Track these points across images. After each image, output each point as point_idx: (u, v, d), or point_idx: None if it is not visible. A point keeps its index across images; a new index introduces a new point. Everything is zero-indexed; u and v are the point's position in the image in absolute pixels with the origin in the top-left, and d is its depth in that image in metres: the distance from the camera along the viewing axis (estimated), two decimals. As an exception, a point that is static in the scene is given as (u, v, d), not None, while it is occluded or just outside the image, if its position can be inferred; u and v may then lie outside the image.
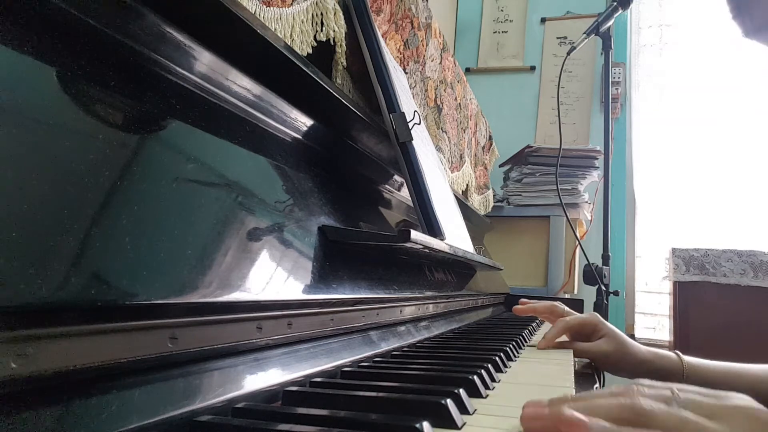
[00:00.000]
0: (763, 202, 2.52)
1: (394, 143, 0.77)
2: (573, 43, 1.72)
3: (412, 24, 1.08)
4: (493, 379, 0.53)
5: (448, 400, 0.37)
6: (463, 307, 1.21)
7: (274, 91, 0.55)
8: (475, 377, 0.47)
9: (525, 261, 2.20)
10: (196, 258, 0.36)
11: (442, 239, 0.74)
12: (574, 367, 0.68)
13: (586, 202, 2.25)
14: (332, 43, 0.75)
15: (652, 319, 2.68)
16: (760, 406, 0.28)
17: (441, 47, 1.31)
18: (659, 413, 0.28)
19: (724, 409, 0.27)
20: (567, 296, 2.11)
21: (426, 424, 0.32)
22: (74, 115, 0.32)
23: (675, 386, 0.30)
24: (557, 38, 2.95)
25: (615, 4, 1.67)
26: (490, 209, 2.03)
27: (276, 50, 0.52)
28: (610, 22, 1.72)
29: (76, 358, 0.27)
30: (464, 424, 0.37)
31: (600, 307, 1.71)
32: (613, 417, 0.30)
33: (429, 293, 0.87)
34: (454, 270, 1.14)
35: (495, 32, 3.04)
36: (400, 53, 1.04)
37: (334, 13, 0.74)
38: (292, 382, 0.44)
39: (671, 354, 0.74)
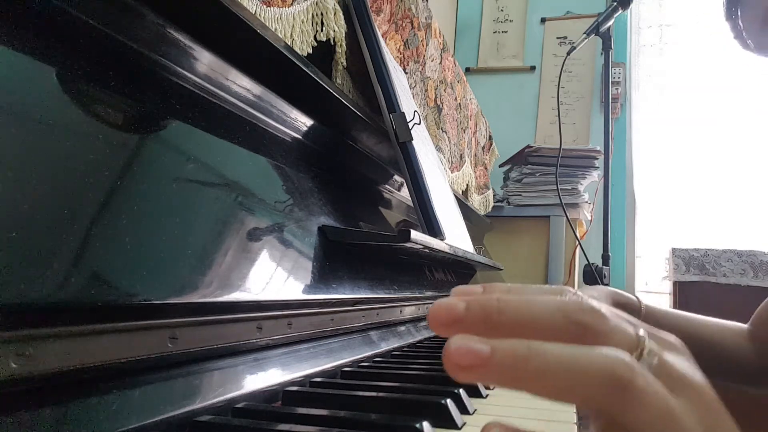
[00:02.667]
0: (763, 202, 2.52)
1: (394, 143, 0.77)
2: (573, 43, 1.72)
3: (412, 24, 1.08)
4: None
5: (448, 400, 0.37)
6: (463, 307, 1.20)
7: (274, 91, 0.55)
8: (475, 377, 0.47)
9: (525, 261, 2.20)
10: (196, 258, 0.36)
11: (442, 239, 0.74)
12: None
13: (586, 202, 2.25)
14: (332, 43, 0.75)
15: (652, 319, 2.68)
16: (709, 386, 0.21)
17: (441, 47, 1.30)
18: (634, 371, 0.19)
19: (687, 385, 0.21)
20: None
21: (426, 424, 0.32)
22: (74, 115, 0.32)
23: (640, 329, 0.21)
24: (557, 38, 2.94)
25: (615, 4, 1.67)
26: (490, 209, 2.03)
27: (276, 50, 0.52)
28: (610, 22, 1.72)
29: (76, 358, 0.26)
30: (464, 424, 0.37)
31: (600, 307, 1.71)
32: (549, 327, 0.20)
33: (429, 293, 0.87)
34: (454, 270, 1.14)
35: (495, 32, 3.04)
36: (400, 53, 1.04)
37: (334, 13, 0.74)
38: (292, 382, 0.44)
39: (633, 297, 0.76)
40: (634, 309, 0.75)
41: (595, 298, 0.22)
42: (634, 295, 0.76)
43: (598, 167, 2.21)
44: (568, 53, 1.71)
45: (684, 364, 0.21)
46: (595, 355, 0.19)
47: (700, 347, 0.70)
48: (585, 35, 1.70)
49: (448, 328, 0.21)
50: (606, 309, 0.21)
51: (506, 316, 0.21)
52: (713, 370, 0.67)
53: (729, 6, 0.61)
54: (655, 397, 0.19)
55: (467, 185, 1.67)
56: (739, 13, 0.60)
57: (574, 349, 0.19)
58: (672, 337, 0.23)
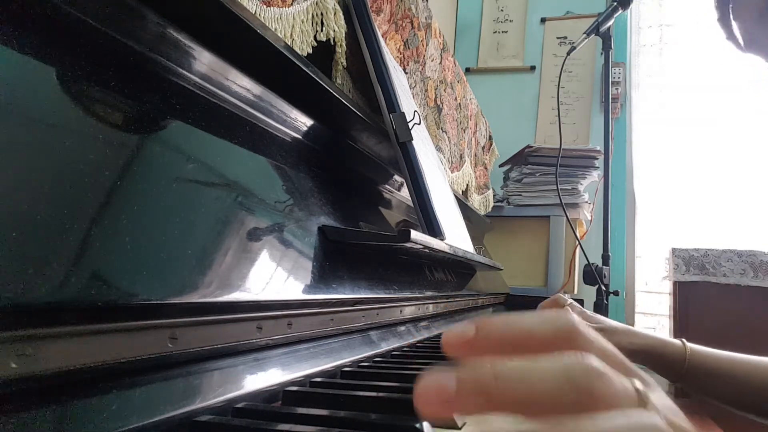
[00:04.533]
0: (763, 202, 2.52)
1: (394, 143, 0.77)
2: (573, 43, 1.72)
3: (412, 24, 1.08)
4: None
5: (448, 400, 0.37)
6: (464, 307, 1.20)
7: (274, 91, 0.55)
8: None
9: (525, 261, 2.20)
10: (196, 258, 0.36)
11: (442, 239, 0.74)
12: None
13: (586, 202, 2.25)
14: (332, 43, 0.75)
15: (652, 319, 2.68)
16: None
17: (441, 47, 1.30)
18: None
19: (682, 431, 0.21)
20: (567, 296, 2.11)
21: (426, 424, 0.32)
22: (74, 115, 0.32)
23: (635, 381, 0.21)
24: (557, 38, 2.94)
25: (615, 4, 1.67)
26: (490, 209, 2.03)
27: (276, 50, 0.52)
28: (610, 22, 1.72)
29: (76, 358, 0.26)
30: (464, 424, 0.37)
31: (600, 307, 1.71)
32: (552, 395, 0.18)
33: (429, 293, 0.87)
34: (454, 270, 1.14)
35: (495, 32, 3.04)
36: (400, 53, 1.04)
37: (334, 13, 0.74)
38: (292, 382, 0.44)
39: (677, 342, 0.73)
40: (678, 355, 0.71)
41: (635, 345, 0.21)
42: (680, 340, 0.72)
43: (598, 167, 2.21)
44: (568, 53, 1.71)
45: (674, 410, 0.22)
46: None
47: (756, 388, 0.66)
48: (585, 35, 1.70)
49: (440, 408, 0.19)
50: (607, 366, 0.20)
51: (506, 391, 0.18)
52: None
53: (721, 6, 0.61)
54: None
55: (467, 185, 1.67)
56: (730, 10, 0.60)
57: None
58: (650, 378, 0.23)
